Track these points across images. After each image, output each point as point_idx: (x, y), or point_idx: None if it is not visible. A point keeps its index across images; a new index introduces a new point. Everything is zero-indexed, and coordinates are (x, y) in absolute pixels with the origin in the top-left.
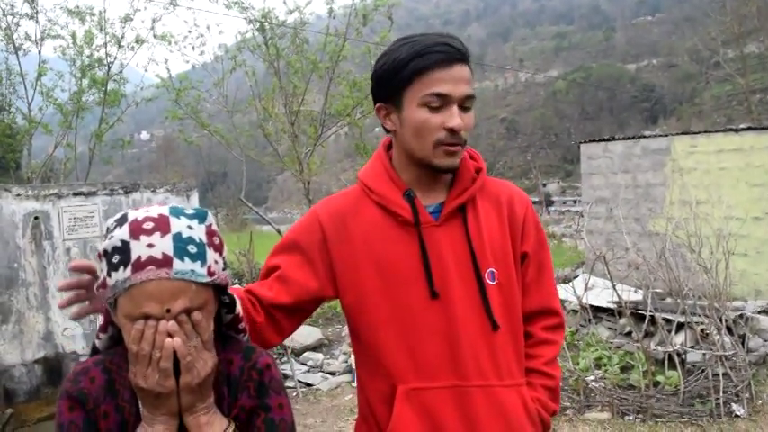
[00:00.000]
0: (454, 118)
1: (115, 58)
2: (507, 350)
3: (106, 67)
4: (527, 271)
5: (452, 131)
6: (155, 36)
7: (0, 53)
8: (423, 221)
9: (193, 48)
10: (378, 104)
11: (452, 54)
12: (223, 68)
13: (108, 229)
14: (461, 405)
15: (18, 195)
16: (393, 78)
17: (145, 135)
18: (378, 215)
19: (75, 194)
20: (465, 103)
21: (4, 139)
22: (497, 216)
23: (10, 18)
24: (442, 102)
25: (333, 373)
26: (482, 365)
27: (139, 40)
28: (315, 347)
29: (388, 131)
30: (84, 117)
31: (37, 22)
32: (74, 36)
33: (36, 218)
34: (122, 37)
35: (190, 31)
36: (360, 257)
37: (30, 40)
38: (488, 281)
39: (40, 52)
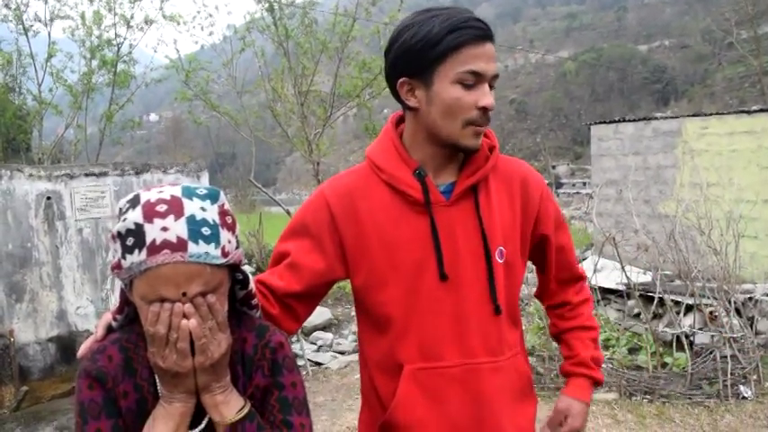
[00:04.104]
0: (487, 96)
1: (124, 39)
2: (510, 326)
3: (116, 48)
4: (552, 251)
5: (484, 110)
6: (164, 16)
7: (10, 34)
8: (434, 201)
9: (202, 28)
10: (401, 79)
11: (485, 31)
12: (232, 49)
13: (120, 210)
14: (467, 382)
15: (30, 176)
16: (425, 53)
17: (154, 116)
18: (387, 195)
19: (86, 175)
20: (492, 82)
21: (15, 120)
22: (508, 195)
23: None
24: (476, 80)
25: (342, 353)
26: (489, 344)
27: (148, 21)
28: (324, 327)
29: (408, 108)
30: (93, 98)
31: (46, 2)
32: (83, 16)
33: (48, 198)
34: (131, 17)
35: (199, 12)
36: (369, 238)
37: (39, 20)
38: (498, 259)
39: (49, 33)
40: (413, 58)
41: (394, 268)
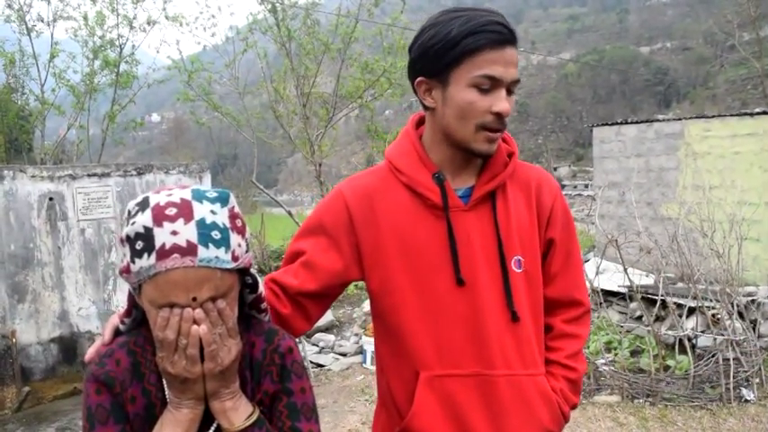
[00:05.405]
0: (502, 102)
1: (127, 40)
2: (531, 339)
3: (118, 49)
4: (553, 259)
5: (499, 116)
6: (166, 17)
7: (13, 34)
8: (451, 206)
9: (205, 29)
10: (419, 79)
11: (505, 35)
12: (234, 50)
13: (129, 213)
14: (484, 393)
15: (33, 176)
16: (442, 55)
17: (156, 117)
18: (405, 197)
19: (89, 175)
20: (511, 87)
21: (17, 120)
22: (526, 202)
23: None
24: (492, 84)
25: (344, 354)
26: (507, 354)
27: (151, 21)
28: (326, 329)
29: (426, 108)
30: (96, 98)
31: (49, 3)
32: (85, 17)
33: (51, 199)
34: (134, 18)
35: (201, 12)
36: (386, 240)
37: (42, 21)
38: (515, 269)
39: (52, 34)
40: (430, 59)
41: (410, 271)
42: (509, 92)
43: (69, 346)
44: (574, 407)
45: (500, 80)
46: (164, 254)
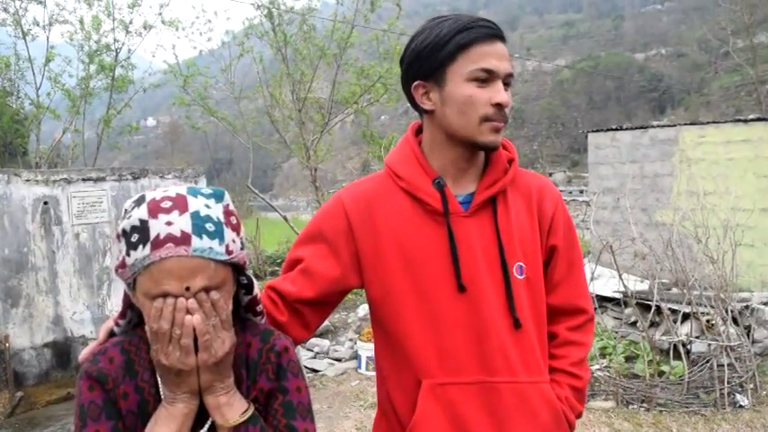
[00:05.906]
0: (501, 93)
1: (123, 44)
2: (534, 346)
3: (114, 53)
4: (556, 267)
5: (499, 107)
6: (162, 22)
7: (8, 38)
8: (452, 211)
9: (201, 34)
10: (415, 83)
11: (495, 30)
12: (230, 55)
13: (126, 210)
14: (487, 401)
15: (28, 180)
16: (436, 54)
17: (151, 121)
18: (405, 203)
19: (84, 180)
20: (507, 80)
21: (12, 124)
22: (527, 209)
23: (18, 3)
24: (489, 77)
25: (339, 360)
26: (510, 361)
27: (147, 26)
28: (321, 334)
29: (423, 112)
30: (91, 102)
31: (45, 7)
32: (81, 21)
33: (45, 203)
34: (130, 22)
35: (198, 17)
36: (386, 246)
37: (38, 25)
38: (516, 275)
39: (48, 37)
40: (425, 60)
41: (410, 278)
42: (506, 85)
43: (63, 350)
44: (579, 415)
45: (495, 72)
46: (158, 244)
